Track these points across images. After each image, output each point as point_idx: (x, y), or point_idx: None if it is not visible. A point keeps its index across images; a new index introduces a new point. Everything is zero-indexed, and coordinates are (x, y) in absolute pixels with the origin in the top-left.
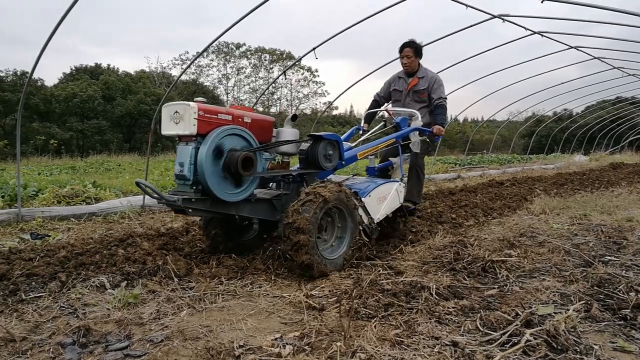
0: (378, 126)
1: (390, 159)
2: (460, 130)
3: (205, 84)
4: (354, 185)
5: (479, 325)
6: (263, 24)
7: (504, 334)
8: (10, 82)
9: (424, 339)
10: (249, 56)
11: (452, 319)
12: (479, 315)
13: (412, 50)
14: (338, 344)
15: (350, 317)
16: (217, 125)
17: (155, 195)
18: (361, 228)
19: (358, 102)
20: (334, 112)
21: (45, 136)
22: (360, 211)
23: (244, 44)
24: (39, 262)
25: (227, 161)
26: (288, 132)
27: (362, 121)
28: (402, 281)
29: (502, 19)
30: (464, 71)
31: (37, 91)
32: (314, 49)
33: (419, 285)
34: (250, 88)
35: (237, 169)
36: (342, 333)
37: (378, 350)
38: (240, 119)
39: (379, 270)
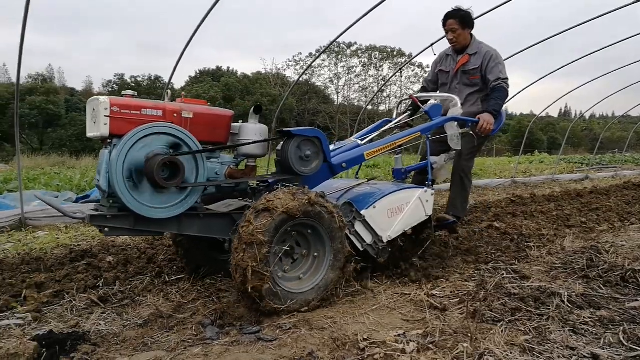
0: (403, 116)
1: (430, 158)
2: (587, 127)
3: (317, 84)
4: (358, 193)
5: (622, 339)
6: (375, 23)
7: None
8: (146, 85)
9: (557, 348)
10: (360, 55)
11: (588, 329)
12: (621, 328)
13: (457, 21)
14: (464, 344)
15: (477, 319)
16: (142, 124)
17: (57, 209)
18: (361, 248)
19: None
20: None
21: None
22: (359, 227)
23: (355, 43)
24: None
25: (148, 168)
26: (250, 129)
27: (395, 112)
28: (529, 286)
29: None
30: (594, 63)
31: (165, 93)
32: (431, 45)
33: (548, 291)
34: (360, 87)
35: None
36: (468, 334)
37: (507, 355)
38: (175, 115)
39: (503, 274)
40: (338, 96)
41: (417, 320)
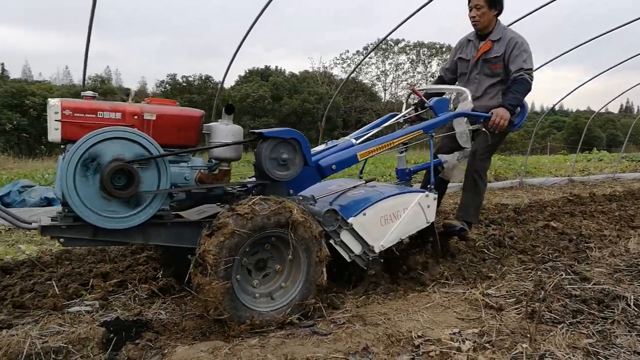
0: (406, 111)
1: (440, 156)
2: None
3: (364, 81)
4: (350, 197)
5: None
6: (423, 19)
7: None
8: (197, 85)
9: (624, 352)
10: (408, 52)
11: None
12: None
13: None
14: (523, 345)
15: (536, 320)
16: (98, 128)
17: (7, 220)
18: (348, 259)
19: None
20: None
21: None
22: (346, 236)
23: (403, 40)
24: None
25: (101, 176)
26: (222, 131)
27: (404, 106)
28: (590, 288)
29: None
30: None
31: (218, 93)
32: None
33: (612, 293)
34: (407, 84)
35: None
36: (527, 335)
37: (570, 358)
38: (136, 117)
39: (562, 275)
40: (385, 93)
41: (472, 319)
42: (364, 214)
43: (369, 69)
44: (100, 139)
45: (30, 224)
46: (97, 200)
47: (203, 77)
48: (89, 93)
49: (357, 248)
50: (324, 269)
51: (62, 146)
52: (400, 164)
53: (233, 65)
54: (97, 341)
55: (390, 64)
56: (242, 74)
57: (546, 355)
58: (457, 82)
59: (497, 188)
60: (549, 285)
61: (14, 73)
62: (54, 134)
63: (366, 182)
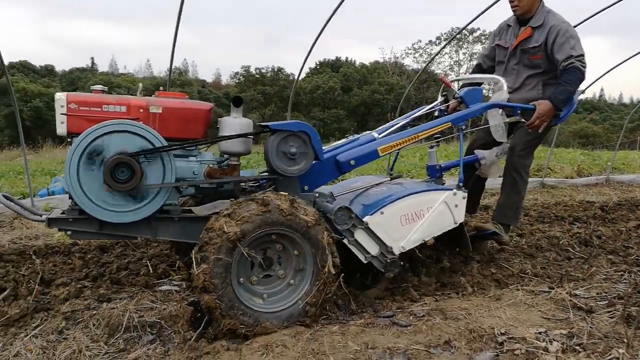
0: (436, 103)
1: (477, 152)
2: None
3: (437, 72)
4: (370, 195)
5: None
6: (500, 7)
7: None
8: (270, 77)
9: None
10: (483, 41)
11: None
12: None
13: None
14: (620, 350)
15: (635, 325)
16: (102, 121)
17: (16, 211)
18: (364, 260)
19: (612, 84)
20: (580, 97)
21: None
22: (361, 236)
23: (478, 29)
24: None
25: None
26: (230, 124)
27: (440, 95)
28: None
29: None
30: None
31: (290, 84)
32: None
33: None
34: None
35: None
36: (623, 340)
37: None
38: (141, 110)
39: None
40: (458, 84)
41: (559, 319)
42: (382, 213)
43: (441, 59)
44: (102, 133)
45: (41, 216)
46: (100, 193)
47: (275, 69)
48: (99, 87)
49: (374, 249)
50: (303, 212)
51: (68, 140)
52: (430, 160)
53: (303, 57)
54: (187, 319)
55: (464, 53)
56: (313, 65)
57: None
58: (495, 71)
59: (581, 184)
60: None
61: (102, 66)
62: (61, 127)
63: (391, 178)
